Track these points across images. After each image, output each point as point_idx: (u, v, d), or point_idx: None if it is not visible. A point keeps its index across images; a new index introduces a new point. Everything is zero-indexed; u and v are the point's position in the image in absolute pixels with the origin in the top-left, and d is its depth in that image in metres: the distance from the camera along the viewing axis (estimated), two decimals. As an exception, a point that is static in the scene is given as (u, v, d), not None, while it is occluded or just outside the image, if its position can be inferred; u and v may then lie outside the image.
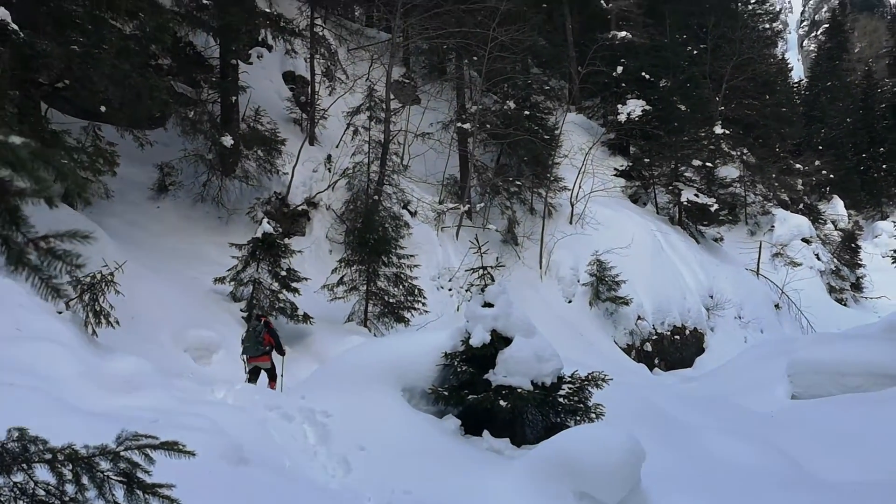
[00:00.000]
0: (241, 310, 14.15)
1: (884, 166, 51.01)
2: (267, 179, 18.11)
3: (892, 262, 18.85)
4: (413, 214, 20.69)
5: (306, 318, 14.24)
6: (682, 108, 31.64)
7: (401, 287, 16.08)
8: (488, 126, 24.03)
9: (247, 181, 17.59)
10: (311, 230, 19.03)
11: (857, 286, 36.67)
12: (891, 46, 67.38)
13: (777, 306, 28.38)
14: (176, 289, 13.58)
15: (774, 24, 60.23)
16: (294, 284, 14.34)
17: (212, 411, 7.33)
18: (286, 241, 15.64)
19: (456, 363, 8.40)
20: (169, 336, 12.18)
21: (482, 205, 22.94)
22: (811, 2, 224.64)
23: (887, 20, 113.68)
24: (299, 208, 18.82)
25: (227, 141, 16.74)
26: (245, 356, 11.20)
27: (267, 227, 14.19)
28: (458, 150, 23.52)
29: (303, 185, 19.07)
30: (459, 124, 23.38)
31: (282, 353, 11.50)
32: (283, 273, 14.26)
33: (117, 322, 9.97)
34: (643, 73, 31.14)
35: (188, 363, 12.00)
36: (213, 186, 17.29)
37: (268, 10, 19.71)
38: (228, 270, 14.14)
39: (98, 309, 9.71)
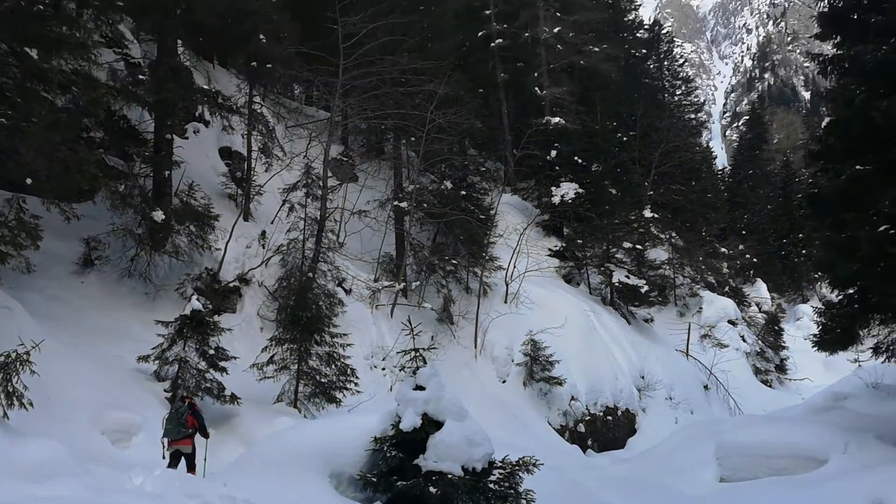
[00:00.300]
0: (164, 390, 13.68)
1: (803, 252, 53.37)
2: (198, 255, 17.83)
3: (813, 346, 19.51)
4: (348, 292, 20.57)
5: (234, 398, 13.84)
6: (614, 191, 32.77)
7: (333, 366, 15.84)
8: (425, 205, 24.36)
9: (177, 256, 17.27)
10: (242, 307, 18.70)
11: (781, 368, 37.75)
12: (806, 139, 71.40)
13: (706, 387, 28.93)
14: (96, 367, 13.08)
15: (699, 115, 63.53)
16: (222, 363, 13.98)
17: (127, 500, 7.00)
18: (216, 318, 15.30)
19: (385, 448, 8.27)
20: (86, 418, 11.65)
21: (418, 283, 23.00)
22: (732, 94, 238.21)
23: (802, 114, 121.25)
24: (231, 285, 18.53)
25: (159, 216, 16.50)
26: (166, 439, 10.76)
27: (196, 303, 13.90)
28: (395, 229, 23.69)
29: (235, 261, 18.82)
30: (396, 203, 23.63)
31: (206, 435, 11.10)
32: (212, 352, 13.90)
33: (31, 404, 9.50)
34: (576, 158, 32.20)
35: (105, 447, 11.47)
36: (142, 261, 16.90)
37: (206, 87, 19.81)
38: (153, 349, 13.72)
39: (11, 390, 9.25)
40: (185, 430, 10.73)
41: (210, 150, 21.50)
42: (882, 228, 15.55)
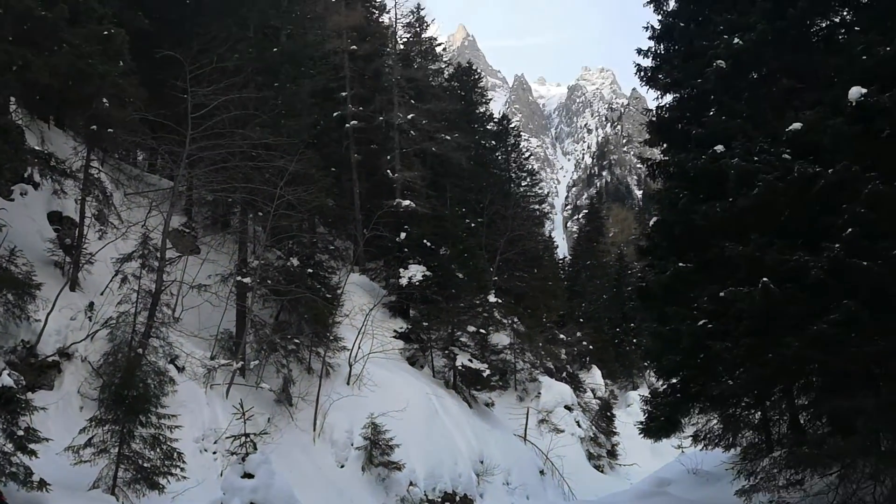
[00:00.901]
0: (-39, 476, 12.35)
1: (634, 341, 56.89)
2: (14, 326, 16.47)
3: (639, 433, 20.65)
4: (180, 370, 19.63)
5: (42, 484, 12.68)
6: (460, 275, 33.66)
7: (158, 450, 14.93)
8: (269, 282, 23.92)
9: (-11, 327, 15.90)
10: (61, 384, 17.34)
11: (612, 453, 39.44)
12: (638, 234, 77.04)
13: (542, 472, 29.64)
14: None
15: (543, 206, 67.13)
16: (32, 446, 12.83)
17: None
18: (29, 395, 14.12)
19: (209, 540, 7.88)
20: None
21: (257, 362, 22.32)
22: (574, 189, 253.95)
23: (635, 211, 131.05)
24: (49, 359, 17.18)
25: (-29, 282, 15.22)
26: (-43, 532, 9.71)
27: (7, 379, 12.77)
28: (236, 305, 23.04)
29: (57, 333, 17.53)
30: (239, 278, 23.08)
31: None
32: (20, 432, 12.76)
33: None
34: (425, 241, 32.98)
35: None
36: (-53, 331, 15.44)
37: (38, 148, 18.79)
38: (-49, 429, 12.42)
39: None
40: (-20, 522, 9.75)
41: (38, 215, 20.19)
42: (701, 322, 16.92)
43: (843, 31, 17.83)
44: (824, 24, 18.41)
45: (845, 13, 18.20)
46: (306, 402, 22.81)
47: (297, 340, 23.84)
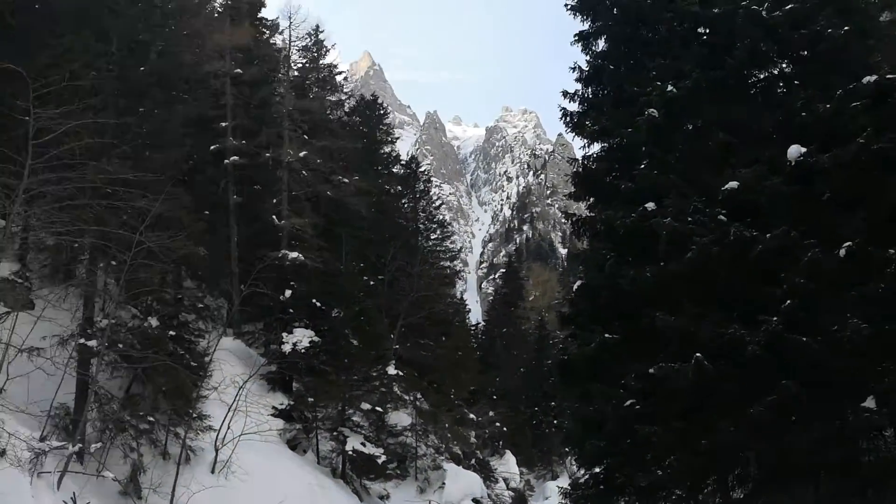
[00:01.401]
0: None
1: (554, 422, 57.36)
2: None
3: (560, 528, 20.70)
4: (1, 454, 18.52)
5: None
6: (355, 342, 33.39)
7: (-36, 555, 13.95)
8: (121, 346, 23.04)
9: None
10: None
11: (526, 554, 39.32)
12: (561, 299, 78.47)
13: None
14: None
15: (454, 263, 67.61)
16: None
17: None
18: None
19: None
20: None
21: (99, 445, 21.32)
22: (490, 244, 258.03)
23: (559, 272, 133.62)
24: None
25: None
26: None
27: None
28: (77, 374, 22.01)
29: None
30: (83, 341, 22.12)
31: None
32: None
33: None
34: (314, 300, 32.64)
35: None
36: None
37: None
38: None
39: None
40: None
41: None
42: (628, 403, 17.20)
43: (782, 84, 18.93)
44: (762, 76, 19.49)
45: (784, 65, 19.33)
46: (159, 495, 21.82)
47: (151, 418, 22.93)
